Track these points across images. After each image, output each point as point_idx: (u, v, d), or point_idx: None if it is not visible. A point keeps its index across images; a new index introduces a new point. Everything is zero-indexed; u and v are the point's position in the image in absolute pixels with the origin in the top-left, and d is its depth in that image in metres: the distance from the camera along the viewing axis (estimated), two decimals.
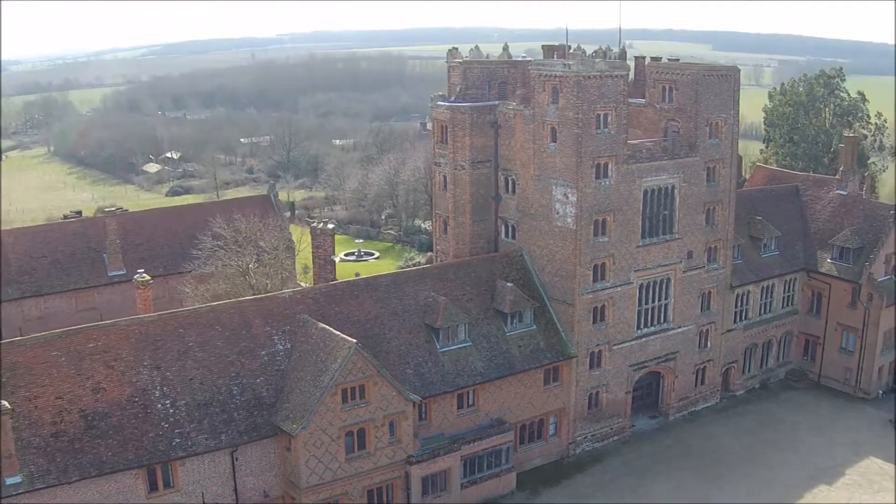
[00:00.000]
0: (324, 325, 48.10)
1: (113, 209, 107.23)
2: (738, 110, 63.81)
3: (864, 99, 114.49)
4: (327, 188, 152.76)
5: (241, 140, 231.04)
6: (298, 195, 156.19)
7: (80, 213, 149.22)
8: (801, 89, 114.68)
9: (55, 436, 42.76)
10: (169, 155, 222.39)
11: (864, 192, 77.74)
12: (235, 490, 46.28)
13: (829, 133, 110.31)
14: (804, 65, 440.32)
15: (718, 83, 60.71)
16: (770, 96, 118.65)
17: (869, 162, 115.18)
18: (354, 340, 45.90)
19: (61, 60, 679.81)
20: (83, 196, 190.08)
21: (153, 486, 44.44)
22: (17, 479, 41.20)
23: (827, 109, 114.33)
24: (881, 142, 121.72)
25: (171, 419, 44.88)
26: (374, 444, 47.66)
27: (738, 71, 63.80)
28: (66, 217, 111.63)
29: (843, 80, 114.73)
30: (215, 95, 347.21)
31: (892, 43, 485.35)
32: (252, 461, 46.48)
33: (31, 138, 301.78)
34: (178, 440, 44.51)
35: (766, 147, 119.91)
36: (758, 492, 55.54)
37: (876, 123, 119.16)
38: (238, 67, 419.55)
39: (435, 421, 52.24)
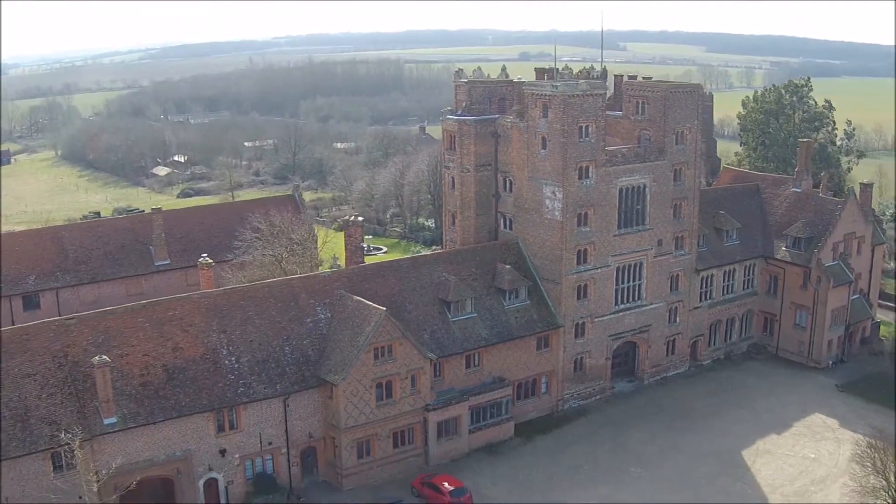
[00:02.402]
0: (358, 298, 58.73)
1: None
2: (711, 118, 73.88)
3: (830, 107, 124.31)
4: (335, 189, 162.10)
5: (246, 144, 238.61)
6: (307, 196, 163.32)
7: (98, 213, 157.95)
8: (771, 97, 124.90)
9: (143, 385, 53.14)
10: (177, 158, 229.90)
11: (821, 190, 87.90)
12: (286, 431, 56.87)
13: (798, 137, 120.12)
14: (796, 66, 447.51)
15: (684, 98, 71.21)
16: (743, 104, 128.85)
17: (842, 163, 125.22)
18: (384, 308, 56.56)
19: (59, 63, 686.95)
20: (97, 198, 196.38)
21: (221, 427, 54.90)
22: (114, 419, 51.40)
23: (795, 115, 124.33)
24: (848, 146, 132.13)
25: (236, 372, 55.38)
26: (399, 393, 58.35)
27: (701, 87, 74.63)
28: (84, 218, 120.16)
29: (810, 90, 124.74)
30: (217, 100, 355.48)
31: (886, 44, 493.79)
32: (300, 407, 57.05)
33: (36, 142, 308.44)
34: (241, 389, 55.02)
35: (742, 149, 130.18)
36: (717, 440, 65.82)
37: (846, 130, 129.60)
38: (239, 72, 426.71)
39: (447, 377, 62.74)
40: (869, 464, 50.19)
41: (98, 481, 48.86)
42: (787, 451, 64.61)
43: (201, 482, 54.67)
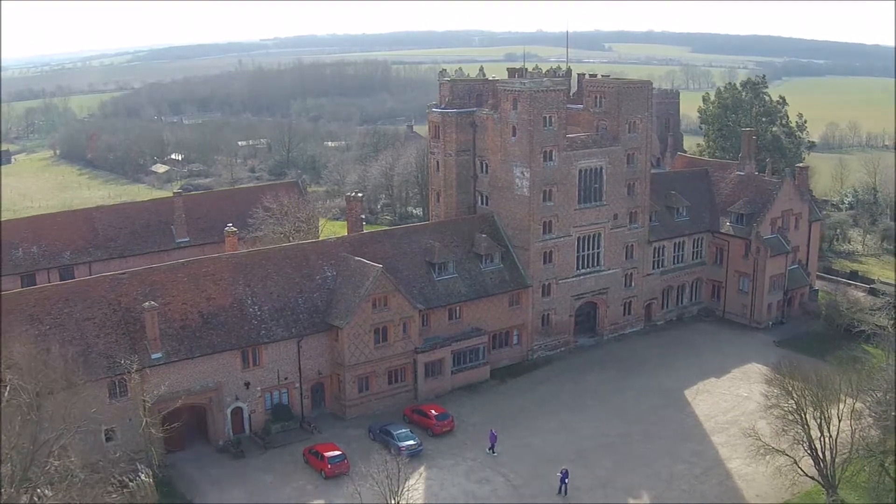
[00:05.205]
0: (359, 258, 70.08)
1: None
2: (678, 114, 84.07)
3: (784, 102, 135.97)
4: (329, 183, 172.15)
5: (240, 143, 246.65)
6: None
7: None
8: (728, 94, 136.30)
9: (182, 328, 64.06)
10: (174, 157, 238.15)
11: (767, 174, 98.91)
12: (299, 368, 68.01)
13: (754, 129, 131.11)
14: (780, 66, 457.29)
15: (635, 93, 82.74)
16: (703, 99, 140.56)
17: (801, 153, 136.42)
18: (380, 265, 67.91)
19: (48, 66, 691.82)
20: (99, 194, 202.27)
21: (246, 364, 65.83)
22: (159, 354, 62.20)
23: (752, 110, 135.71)
24: (800, 137, 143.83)
25: (259, 318, 66.48)
26: (393, 337, 69.58)
27: (651, 83, 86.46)
28: None
29: (765, 87, 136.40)
30: (209, 101, 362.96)
31: (870, 43, 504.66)
32: (311, 348, 68.20)
33: (33, 142, 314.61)
34: (263, 332, 66.12)
35: (703, 140, 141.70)
36: (664, 382, 76.83)
37: (797, 122, 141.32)
38: (228, 73, 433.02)
39: (433, 326, 74.00)
40: (776, 383, 61.33)
41: (146, 405, 59.86)
42: (724, 391, 75.42)
43: (229, 410, 65.55)
